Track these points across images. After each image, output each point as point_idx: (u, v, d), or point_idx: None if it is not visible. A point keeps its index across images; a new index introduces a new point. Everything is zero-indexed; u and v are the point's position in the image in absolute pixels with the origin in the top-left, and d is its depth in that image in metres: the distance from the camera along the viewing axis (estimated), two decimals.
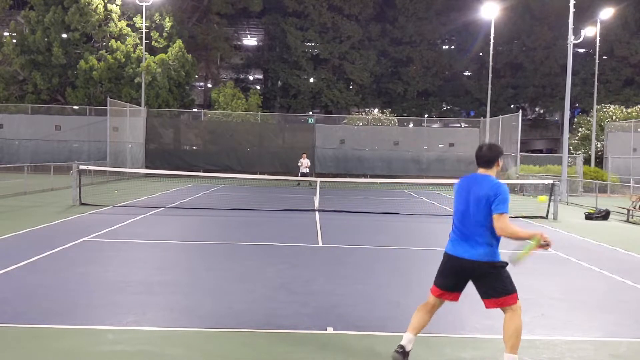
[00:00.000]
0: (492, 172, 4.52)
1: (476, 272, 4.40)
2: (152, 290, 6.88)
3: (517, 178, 24.80)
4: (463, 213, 4.42)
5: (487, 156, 4.52)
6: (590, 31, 32.91)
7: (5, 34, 37.39)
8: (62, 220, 12.52)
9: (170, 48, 35.04)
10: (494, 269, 4.36)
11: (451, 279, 4.54)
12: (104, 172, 24.10)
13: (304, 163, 26.50)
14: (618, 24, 43.81)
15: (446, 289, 4.57)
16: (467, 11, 44.14)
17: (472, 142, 33.05)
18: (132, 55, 34.24)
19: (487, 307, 4.47)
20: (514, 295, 4.39)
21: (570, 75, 22.96)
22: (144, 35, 32.82)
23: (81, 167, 16.58)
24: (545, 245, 4.48)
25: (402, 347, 4.49)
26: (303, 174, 25.82)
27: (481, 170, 4.55)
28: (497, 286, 4.37)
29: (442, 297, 4.62)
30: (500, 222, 4.25)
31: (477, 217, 4.33)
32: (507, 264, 4.42)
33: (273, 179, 23.88)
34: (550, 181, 16.98)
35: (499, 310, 6.39)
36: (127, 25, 35.25)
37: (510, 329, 4.36)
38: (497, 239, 4.39)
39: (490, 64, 33.99)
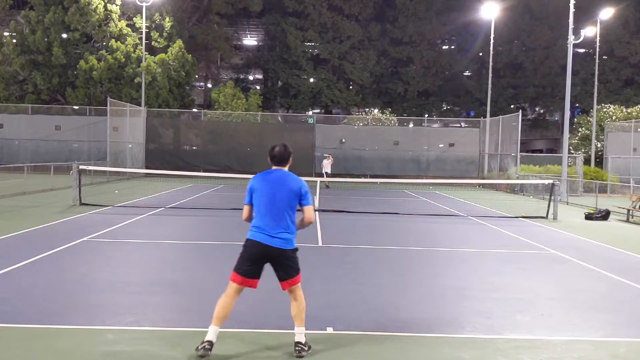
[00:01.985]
0: (286, 169, 5.03)
1: (279, 258, 4.85)
2: (151, 290, 6.88)
3: (517, 178, 24.80)
4: (269, 205, 4.82)
5: (283, 155, 4.98)
6: (590, 31, 32.92)
7: (5, 34, 37.40)
8: (62, 220, 12.52)
9: (170, 48, 35.03)
10: (293, 254, 4.90)
11: (255, 266, 4.88)
12: (104, 172, 24.10)
13: (326, 165, 26.29)
14: (618, 24, 43.80)
15: (248, 275, 4.88)
16: (467, 11, 44.13)
17: (472, 142, 33.08)
18: (132, 55, 34.24)
19: (283, 289, 4.97)
20: (300, 274, 4.99)
21: (570, 75, 22.96)
22: (144, 35, 32.82)
23: (81, 167, 16.59)
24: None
25: (211, 342, 4.71)
26: (327, 174, 25.74)
27: (276, 167, 4.99)
28: (294, 269, 4.92)
29: (244, 285, 4.91)
30: (310, 212, 4.88)
31: (283, 209, 4.81)
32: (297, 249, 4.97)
33: None
34: (550, 181, 16.97)
35: (498, 310, 6.42)
36: (127, 25, 35.25)
37: (302, 304, 4.97)
38: (295, 228, 4.93)
39: (490, 64, 33.99)
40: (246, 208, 5.03)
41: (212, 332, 4.77)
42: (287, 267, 4.88)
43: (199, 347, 4.70)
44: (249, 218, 5.04)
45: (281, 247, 4.80)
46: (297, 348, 4.82)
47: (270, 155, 5.01)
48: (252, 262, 4.87)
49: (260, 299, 6.58)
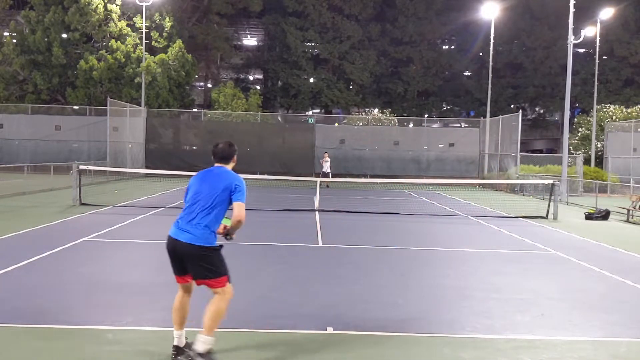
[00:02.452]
0: (229, 167, 4.88)
1: (189, 255, 4.57)
2: (151, 290, 6.88)
3: (517, 178, 24.80)
4: (191, 199, 4.68)
5: (225, 152, 4.87)
6: (590, 31, 32.90)
7: (5, 34, 37.40)
8: (62, 220, 12.52)
9: (170, 48, 35.02)
10: (206, 252, 4.55)
11: (175, 262, 4.72)
12: (104, 172, 24.09)
13: (327, 162, 26.24)
14: (618, 24, 43.78)
15: (178, 273, 4.74)
16: (467, 11, 44.13)
17: (472, 142, 33.07)
18: (132, 55, 34.23)
19: (198, 284, 4.67)
20: (224, 278, 4.61)
21: (570, 75, 22.95)
22: (144, 35, 32.81)
23: (81, 167, 16.57)
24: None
25: (175, 347, 4.63)
26: (324, 174, 25.57)
27: (218, 165, 4.85)
28: (208, 270, 4.56)
29: (183, 282, 4.76)
30: (238, 209, 4.58)
31: (206, 204, 4.60)
32: (221, 247, 4.68)
33: (273, 179, 23.88)
34: (550, 181, 16.97)
35: (498, 310, 6.42)
36: (127, 25, 35.23)
37: (214, 310, 4.55)
38: (216, 227, 4.65)
39: (490, 64, 33.98)
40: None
41: (176, 338, 4.68)
42: (197, 266, 4.56)
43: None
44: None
45: (190, 243, 4.52)
46: (186, 353, 4.50)
47: (212, 152, 4.88)
48: (171, 259, 4.74)
49: (260, 299, 6.59)
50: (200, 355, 4.40)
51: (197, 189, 4.70)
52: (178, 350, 4.64)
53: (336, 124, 36.85)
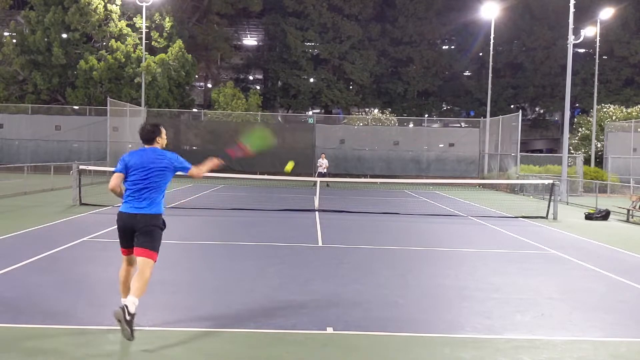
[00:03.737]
0: (158, 146, 5.55)
1: (141, 224, 5.16)
2: (152, 290, 6.86)
3: (517, 178, 24.80)
4: (141, 179, 5.25)
5: (150, 134, 5.52)
6: (590, 31, 32.93)
7: (5, 34, 37.38)
8: (62, 220, 12.52)
9: (170, 48, 35.03)
10: (158, 221, 5.28)
11: (127, 236, 5.26)
12: (104, 172, 24.05)
13: (323, 164, 26.36)
14: (618, 24, 43.80)
15: (127, 247, 5.32)
16: (467, 11, 44.13)
17: (472, 142, 33.07)
18: (132, 55, 34.24)
19: (135, 254, 5.19)
20: (156, 254, 5.25)
21: (570, 75, 22.95)
22: (144, 35, 32.81)
23: (81, 167, 16.58)
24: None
25: (129, 314, 4.95)
26: (321, 174, 25.68)
27: (148, 145, 5.50)
28: (151, 240, 5.20)
29: (127, 255, 5.37)
30: (195, 171, 5.54)
31: (156, 181, 5.30)
32: (165, 226, 5.42)
33: (273, 179, 23.89)
34: (550, 181, 16.97)
35: (498, 310, 6.43)
36: (127, 25, 35.24)
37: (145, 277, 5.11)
38: (162, 198, 5.38)
39: (490, 64, 33.99)
40: (117, 176, 5.36)
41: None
42: (147, 234, 5.16)
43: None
44: (118, 187, 5.38)
45: (147, 213, 5.17)
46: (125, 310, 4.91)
47: (139, 134, 5.55)
48: (122, 232, 5.28)
49: (260, 299, 6.59)
50: (130, 314, 4.89)
51: (143, 169, 5.33)
52: (132, 317, 4.98)
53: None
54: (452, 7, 47.56)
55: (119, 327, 5.24)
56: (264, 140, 6.09)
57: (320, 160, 26.63)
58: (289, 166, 8.33)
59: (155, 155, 5.38)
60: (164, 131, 5.64)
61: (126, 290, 5.25)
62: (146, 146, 5.49)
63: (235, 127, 33.46)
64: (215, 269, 8.26)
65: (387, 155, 32.97)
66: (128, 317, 4.84)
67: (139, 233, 5.17)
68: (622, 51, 46.03)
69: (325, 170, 26.13)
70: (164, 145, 5.62)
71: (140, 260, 5.13)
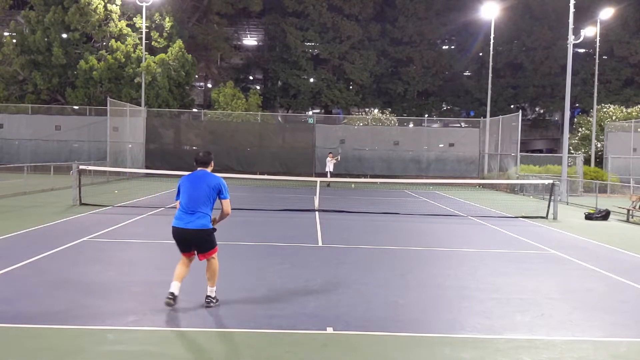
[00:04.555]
0: (209, 170, 6.37)
1: (197, 237, 6.10)
2: (152, 290, 6.88)
3: (517, 178, 24.80)
4: (192, 196, 6.10)
5: (205, 159, 6.35)
6: (590, 31, 32.90)
7: (5, 34, 37.37)
8: (62, 220, 12.52)
9: (170, 48, 35.02)
10: (208, 235, 6.14)
11: (182, 243, 6.23)
12: (104, 172, 24.09)
13: (329, 163, 26.59)
14: (618, 24, 43.80)
15: (185, 251, 6.27)
16: (467, 11, 44.13)
17: (472, 142, 33.07)
18: (132, 55, 34.23)
19: (200, 259, 6.24)
20: (216, 248, 6.27)
21: (570, 75, 22.95)
22: (144, 35, 32.81)
23: (81, 167, 16.58)
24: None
25: (173, 294, 5.99)
26: (331, 173, 26.05)
27: (200, 168, 6.31)
28: (209, 246, 6.19)
29: (187, 257, 6.29)
30: (227, 205, 6.23)
31: (204, 199, 6.10)
32: (215, 230, 6.24)
33: (273, 179, 23.90)
34: (550, 181, 16.98)
35: (498, 310, 6.43)
36: (127, 25, 35.22)
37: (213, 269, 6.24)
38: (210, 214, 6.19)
39: (490, 64, 33.99)
40: (177, 204, 6.32)
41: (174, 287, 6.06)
42: (203, 244, 6.14)
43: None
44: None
45: (198, 229, 6.03)
46: (207, 300, 6.19)
47: (194, 159, 6.36)
48: (179, 243, 6.23)
49: (260, 299, 6.59)
50: (214, 298, 6.24)
51: (195, 187, 6.16)
52: (174, 297, 5.98)
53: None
54: (452, 7, 47.55)
55: (119, 327, 5.26)
56: None
57: (329, 159, 26.81)
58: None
59: (208, 175, 6.26)
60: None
61: (179, 276, 6.18)
62: (199, 169, 6.32)
63: (235, 127, 33.49)
64: None
65: (387, 155, 32.97)
66: (213, 303, 6.19)
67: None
68: (622, 51, 46.02)
69: (330, 171, 26.35)
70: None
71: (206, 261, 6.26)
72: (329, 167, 26.50)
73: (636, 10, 45.65)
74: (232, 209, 6.21)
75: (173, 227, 6.18)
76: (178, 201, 6.26)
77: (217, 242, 6.21)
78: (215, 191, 6.11)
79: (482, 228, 13.68)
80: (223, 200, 6.17)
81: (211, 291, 6.21)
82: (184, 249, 6.22)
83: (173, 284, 6.03)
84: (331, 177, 25.63)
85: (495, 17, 34.00)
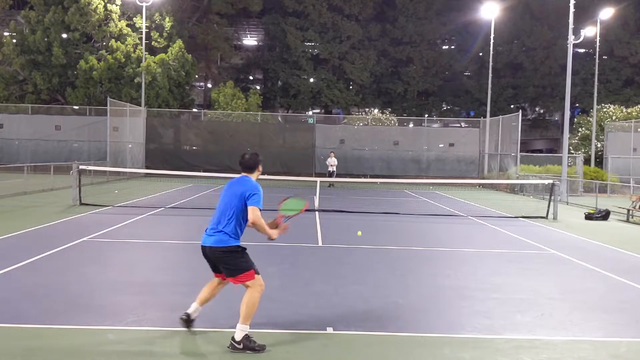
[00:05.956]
0: (253, 176, 5.33)
1: (214, 257, 5.15)
2: (152, 290, 6.88)
3: (517, 178, 24.80)
4: (218, 207, 5.21)
5: (247, 163, 5.34)
6: (590, 31, 32.90)
7: (5, 34, 37.37)
8: (62, 220, 12.52)
9: (170, 48, 35.02)
10: (227, 253, 5.07)
11: (210, 263, 5.30)
12: (104, 172, 24.09)
13: (333, 162, 26.46)
14: (618, 24, 43.78)
15: (212, 270, 5.36)
16: (467, 11, 44.12)
17: (472, 142, 33.07)
18: (132, 55, 34.24)
19: (234, 283, 5.19)
20: (245, 273, 5.07)
21: (570, 75, 22.95)
22: (144, 35, 32.81)
23: (81, 167, 16.57)
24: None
25: (187, 314, 5.27)
26: (330, 173, 25.96)
27: (244, 174, 5.33)
28: (231, 268, 5.09)
29: (219, 277, 5.37)
30: (251, 213, 5.02)
31: (226, 210, 5.09)
32: (244, 249, 5.15)
33: (273, 179, 23.87)
34: (550, 181, 16.97)
35: (498, 310, 6.43)
36: (127, 25, 35.23)
37: (247, 300, 5.04)
38: (240, 230, 5.14)
39: (490, 64, 33.98)
40: None
41: (192, 307, 5.33)
42: (223, 265, 5.12)
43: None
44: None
45: (212, 245, 5.06)
46: (231, 341, 4.94)
47: (239, 162, 5.40)
48: (206, 260, 5.30)
49: (260, 299, 6.58)
50: (237, 342, 4.87)
51: (221, 198, 5.24)
52: (188, 317, 5.26)
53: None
54: (452, 7, 47.54)
55: (120, 327, 5.26)
56: (297, 207, 6.26)
57: (329, 159, 26.70)
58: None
59: (242, 183, 5.23)
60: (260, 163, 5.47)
61: (202, 297, 5.40)
62: (242, 174, 5.35)
63: (235, 127, 33.49)
64: None
65: (387, 155, 32.97)
66: (240, 346, 4.87)
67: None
68: (622, 51, 46.01)
69: (333, 170, 26.23)
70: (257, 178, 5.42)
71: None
72: (332, 166, 26.38)
73: (636, 10, 45.64)
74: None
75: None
76: None
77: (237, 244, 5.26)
78: (241, 201, 5.05)
79: (482, 228, 13.68)
80: (249, 207, 5.04)
81: (239, 330, 4.91)
82: (211, 267, 5.39)
83: (193, 304, 5.38)
84: (330, 176, 25.57)
85: (495, 17, 34.01)
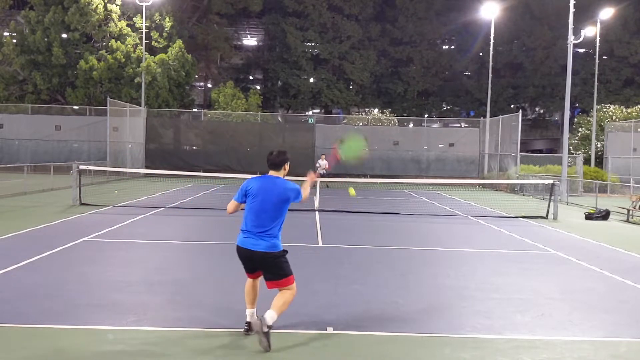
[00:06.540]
0: (281, 174, 5.27)
1: (263, 261, 5.10)
2: (152, 290, 6.88)
3: (517, 178, 24.80)
4: (259, 212, 5.09)
5: (276, 160, 5.25)
6: (590, 31, 32.90)
7: (5, 34, 37.39)
8: (62, 220, 12.52)
9: (170, 48, 35.03)
10: (277, 258, 5.10)
11: (248, 265, 5.23)
12: (104, 172, 24.10)
13: (323, 165, 26.23)
14: (618, 24, 43.79)
15: (250, 272, 5.30)
16: (467, 11, 44.14)
17: (472, 142, 33.07)
18: (132, 55, 34.24)
19: (269, 287, 5.20)
20: (291, 278, 5.15)
21: (570, 75, 22.95)
22: (144, 35, 32.82)
23: (81, 167, 16.57)
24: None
25: (248, 323, 5.25)
26: (320, 175, 25.49)
27: (272, 172, 5.27)
28: (278, 272, 5.11)
29: (253, 278, 5.35)
30: (304, 194, 5.20)
31: (272, 214, 5.08)
32: (286, 252, 5.20)
33: None
34: (550, 181, 16.97)
35: (498, 310, 6.43)
36: (127, 25, 35.24)
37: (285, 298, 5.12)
38: (279, 233, 5.18)
39: (490, 64, 33.98)
40: (234, 203, 5.30)
41: (248, 315, 5.31)
42: (271, 269, 5.11)
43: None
44: (234, 212, 5.35)
45: (266, 251, 5.03)
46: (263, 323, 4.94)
47: (267, 159, 5.29)
48: (244, 263, 5.26)
49: (259, 299, 6.58)
50: (269, 326, 4.90)
51: (260, 199, 5.10)
52: (250, 326, 5.22)
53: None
54: (452, 7, 47.56)
55: (120, 327, 5.26)
56: (358, 147, 6.20)
57: (320, 161, 26.56)
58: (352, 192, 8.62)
59: (277, 184, 5.18)
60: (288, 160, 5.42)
61: (250, 301, 5.34)
62: (271, 173, 5.28)
63: (235, 127, 33.49)
64: (216, 269, 8.26)
65: (387, 155, 32.96)
66: (265, 329, 4.86)
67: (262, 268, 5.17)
68: (622, 51, 46.03)
69: (324, 172, 26.04)
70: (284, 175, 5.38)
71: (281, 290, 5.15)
72: (323, 169, 26.02)
73: (636, 10, 45.64)
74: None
75: (238, 246, 5.16)
76: (236, 203, 5.28)
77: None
78: (287, 205, 5.13)
79: (482, 228, 13.67)
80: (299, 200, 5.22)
81: (271, 318, 4.96)
82: (249, 270, 5.29)
83: (247, 312, 5.31)
84: (325, 177, 25.27)
85: (495, 17, 34.01)
